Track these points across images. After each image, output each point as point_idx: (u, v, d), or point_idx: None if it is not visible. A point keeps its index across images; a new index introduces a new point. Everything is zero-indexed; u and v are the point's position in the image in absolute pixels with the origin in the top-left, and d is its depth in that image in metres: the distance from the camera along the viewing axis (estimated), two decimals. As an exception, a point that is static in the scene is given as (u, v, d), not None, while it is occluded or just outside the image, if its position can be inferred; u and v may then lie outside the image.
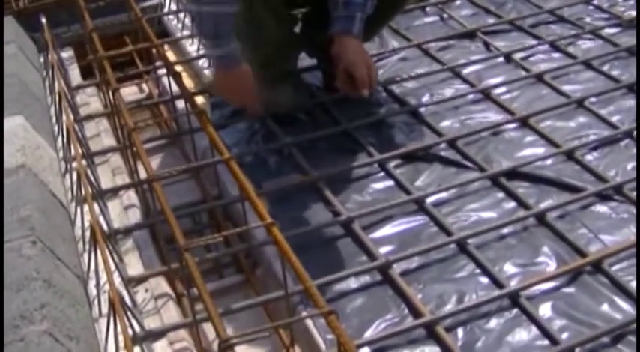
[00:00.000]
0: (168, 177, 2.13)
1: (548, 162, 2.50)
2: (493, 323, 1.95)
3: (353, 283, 2.10)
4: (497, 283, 2.05)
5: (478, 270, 2.11)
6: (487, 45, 3.24)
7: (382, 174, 2.52)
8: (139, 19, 2.82)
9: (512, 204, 2.34)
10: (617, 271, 2.06)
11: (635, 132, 2.58)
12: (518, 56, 3.12)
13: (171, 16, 3.72)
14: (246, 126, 2.79)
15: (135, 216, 2.40)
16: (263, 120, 2.76)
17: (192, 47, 3.37)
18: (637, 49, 3.11)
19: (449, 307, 1.99)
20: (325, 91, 2.96)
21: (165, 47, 3.26)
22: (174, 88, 2.61)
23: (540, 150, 2.55)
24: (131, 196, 2.50)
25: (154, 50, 2.97)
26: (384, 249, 2.19)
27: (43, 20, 3.24)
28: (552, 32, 3.30)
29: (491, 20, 3.45)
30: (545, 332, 1.90)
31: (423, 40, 3.29)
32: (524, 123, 2.68)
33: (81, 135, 2.63)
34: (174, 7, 3.76)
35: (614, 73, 2.95)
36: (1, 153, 2.28)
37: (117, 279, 1.99)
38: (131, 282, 2.10)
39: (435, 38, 3.31)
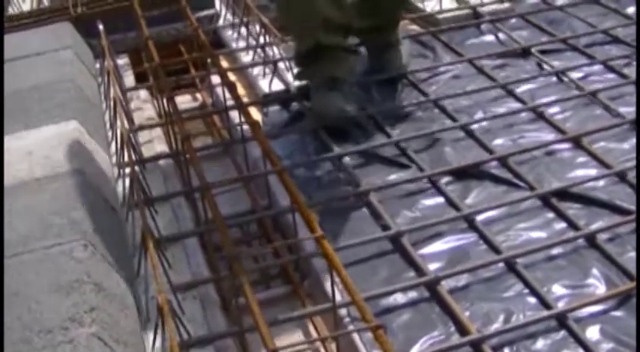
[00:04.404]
0: (221, 185, 2.15)
1: (601, 183, 2.48)
2: (540, 344, 1.93)
3: (400, 298, 2.10)
4: (544, 304, 2.03)
5: (526, 290, 2.09)
6: (541, 64, 3.23)
7: (433, 190, 2.51)
8: (195, 29, 2.84)
9: (562, 225, 2.32)
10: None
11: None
12: (572, 75, 3.10)
13: (227, 26, 3.75)
14: (299, 137, 2.80)
15: (185, 224, 2.42)
16: (316, 133, 2.78)
17: (246, 58, 3.38)
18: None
19: (496, 326, 1.98)
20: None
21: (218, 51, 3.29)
22: (228, 97, 2.63)
23: (592, 171, 2.53)
24: (181, 203, 2.52)
25: (208, 60, 3.00)
26: (432, 266, 2.18)
27: (100, 27, 3.28)
28: (607, 52, 3.28)
29: (545, 39, 3.43)
30: (592, 355, 1.89)
31: (476, 56, 3.29)
32: (576, 143, 2.67)
33: (134, 141, 2.65)
34: (229, 18, 3.78)
35: (669, 94, 2.92)
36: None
37: (165, 285, 2.00)
38: (179, 289, 2.11)
39: (487, 54, 3.32)
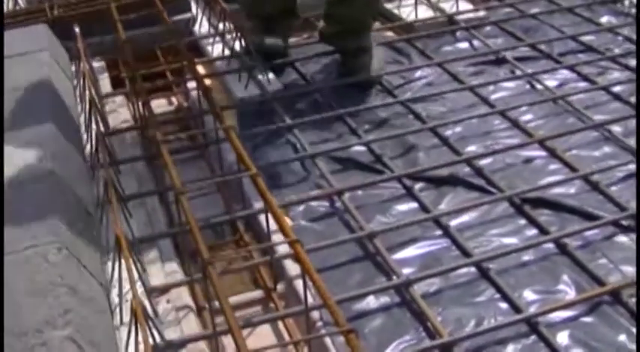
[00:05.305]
0: (195, 188, 2.15)
1: (572, 190, 2.50)
2: (510, 349, 1.95)
3: (372, 303, 2.12)
4: (516, 309, 2.05)
5: (498, 295, 2.11)
6: (516, 71, 3.25)
7: (407, 196, 2.53)
8: (171, 34, 2.85)
9: (534, 231, 2.34)
10: (637, 302, 2.06)
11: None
12: (546, 84, 3.12)
13: (203, 31, 3.75)
14: (274, 141, 2.81)
15: (159, 227, 2.42)
16: (291, 135, 2.80)
17: (222, 62, 3.39)
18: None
19: (467, 330, 2.00)
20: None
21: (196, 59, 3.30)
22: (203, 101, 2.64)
23: (564, 179, 2.55)
24: (156, 206, 2.52)
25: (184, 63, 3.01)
26: (404, 271, 2.19)
27: (76, 29, 3.27)
28: (581, 61, 3.30)
29: (520, 47, 3.46)
30: (562, 361, 1.91)
31: (447, 61, 3.34)
32: (549, 150, 2.69)
33: (108, 144, 2.65)
34: (205, 22, 3.79)
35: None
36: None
37: (139, 289, 2.00)
38: (153, 292, 2.12)
39: (462, 61, 3.35)
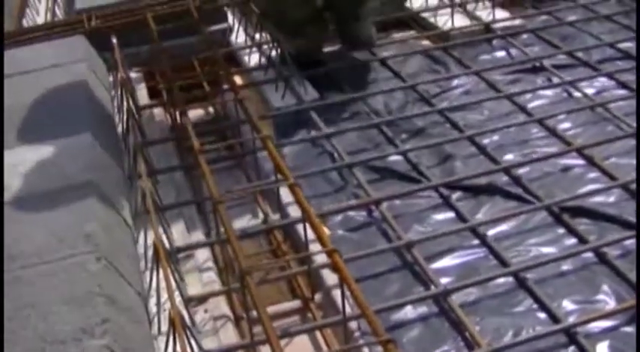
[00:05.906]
0: (232, 198, 2.15)
1: (611, 199, 2.48)
2: (550, 358, 1.94)
3: (410, 313, 2.11)
4: (554, 319, 2.04)
5: (536, 305, 2.10)
6: (553, 79, 3.23)
7: (444, 205, 2.52)
8: (209, 45, 2.86)
9: (572, 241, 2.33)
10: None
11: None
12: (584, 91, 3.10)
13: (239, 41, 3.76)
14: (311, 150, 2.81)
15: (197, 236, 2.43)
16: (327, 144, 2.81)
17: (259, 72, 3.40)
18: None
19: (505, 340, 1.99)
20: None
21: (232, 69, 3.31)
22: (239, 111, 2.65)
23: (603, 187, 2.53)
24: (194, 216, 2.53)
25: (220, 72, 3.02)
26: (442, 280, 2.18)
27: (114, 40, 3.29)
28: (620, 68, 3.28)
29: (558, 55, 3.44)
30: (601, 371, 1.90)
31: (484, 69, 3.32)
32: (587, 159, 2.67)
33: (146, 154, 2.66)
34: (241, 33, 3.80)
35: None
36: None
37: (177, 298, 2.01)
38: (191, 302, 2.12)
39: (499, 69, 3.33)
